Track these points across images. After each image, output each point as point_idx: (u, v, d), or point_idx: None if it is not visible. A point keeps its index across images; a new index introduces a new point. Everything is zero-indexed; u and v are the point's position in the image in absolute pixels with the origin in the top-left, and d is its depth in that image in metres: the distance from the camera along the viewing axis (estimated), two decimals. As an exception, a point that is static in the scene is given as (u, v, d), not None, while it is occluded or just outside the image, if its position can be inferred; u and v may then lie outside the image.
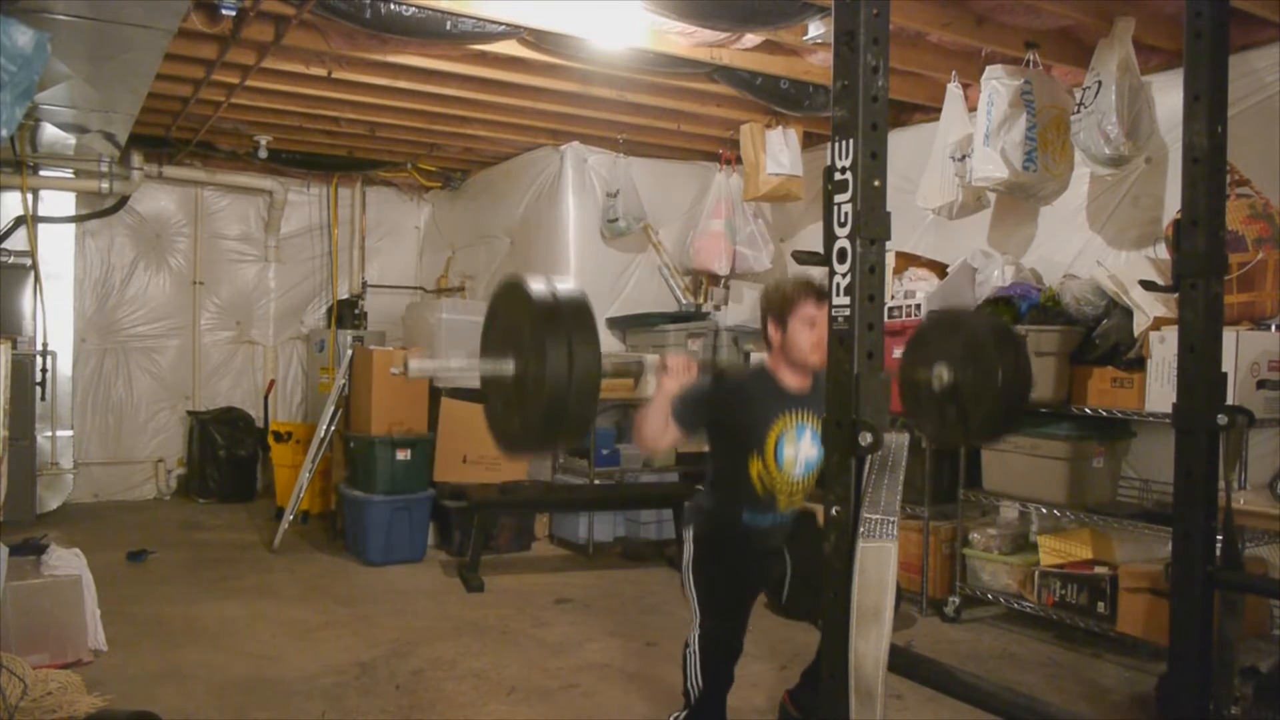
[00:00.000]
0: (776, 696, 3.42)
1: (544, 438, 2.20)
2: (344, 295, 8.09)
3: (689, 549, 3.00)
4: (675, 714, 3.00)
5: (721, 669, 2.90)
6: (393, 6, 4.12)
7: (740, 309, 6.21)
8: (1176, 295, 2.63)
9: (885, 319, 2.25)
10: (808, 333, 2.89)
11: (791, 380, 2.96)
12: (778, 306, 2.95)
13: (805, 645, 3.25)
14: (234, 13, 4.16)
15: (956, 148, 4.72)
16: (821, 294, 2.88)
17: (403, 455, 5.71)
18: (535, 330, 2.12)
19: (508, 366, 2.23)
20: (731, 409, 2.95)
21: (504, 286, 2.35)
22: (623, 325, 6.52)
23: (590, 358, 2.11)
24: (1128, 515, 4.18)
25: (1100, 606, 4.14)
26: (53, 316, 6.61)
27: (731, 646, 2.92)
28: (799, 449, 2.93)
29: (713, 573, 2.93)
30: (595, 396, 2.16)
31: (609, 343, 6.56)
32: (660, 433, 2.85)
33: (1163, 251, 4.30)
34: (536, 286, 2.17)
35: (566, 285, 2.20)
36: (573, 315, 2.14)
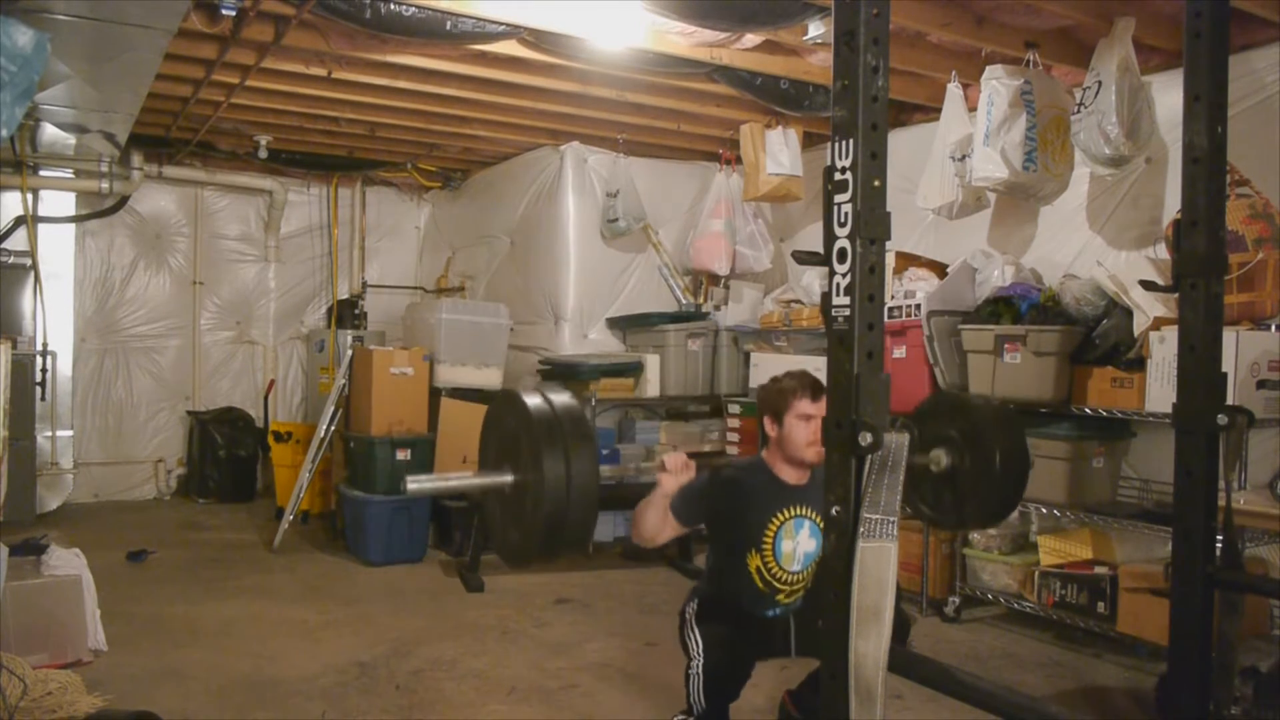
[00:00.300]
0: (776, 696, 3.41)
1: (545, 549, 2.20)
2: (344, 295, 8.08)
3: (692, 606, 3.00)
4: (678, 715, 3.01)
5: (724, 698, 2.90)
6: (393, 6, 4.12)
7: (740, 309, 6.21)
8: (1176, 295, 2.63)
9: (885, 319, 2.25)
10: (804, 429, 2.91)
11: (789, 474, 2.98)
12: (773, 403, 2.97)
13: (805, 645, 3.25)
14: (234, 13, 4.15)
15: (956, 148, 4.72)
16: (817, 389, 2.91)
17: (403, 455, 5.71)
18: (533, 443, 2.12)
19: (506, 479, 2.22)
20: (730, 505, 2.96)
21: (501, 399, 2.36)
22: (623, 325, 6.52)
23: (588, 469, 2.11)
24: (1128, 515, 4.18)
25: (1100, 606, 4.14)
26: (53, 316, 6.61)
27: (730, 688, 2.91)
28: (797, 543, 2.95)
29: (716, 627, 2.92)
30: (595, 507, 2.17)
31: (609, 342, 6.57)
32: (659, 528, 2.88)
33: (1163, 251, 4.30)
34: (533, 400, 2.18)
35: (562, 397, 2.21)
36: (570, 426, 2.14)
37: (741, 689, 2.94)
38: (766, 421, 3.01)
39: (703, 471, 2.91)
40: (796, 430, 2.92)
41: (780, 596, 2.99)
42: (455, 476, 2.72)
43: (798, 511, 2.97)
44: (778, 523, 2.94)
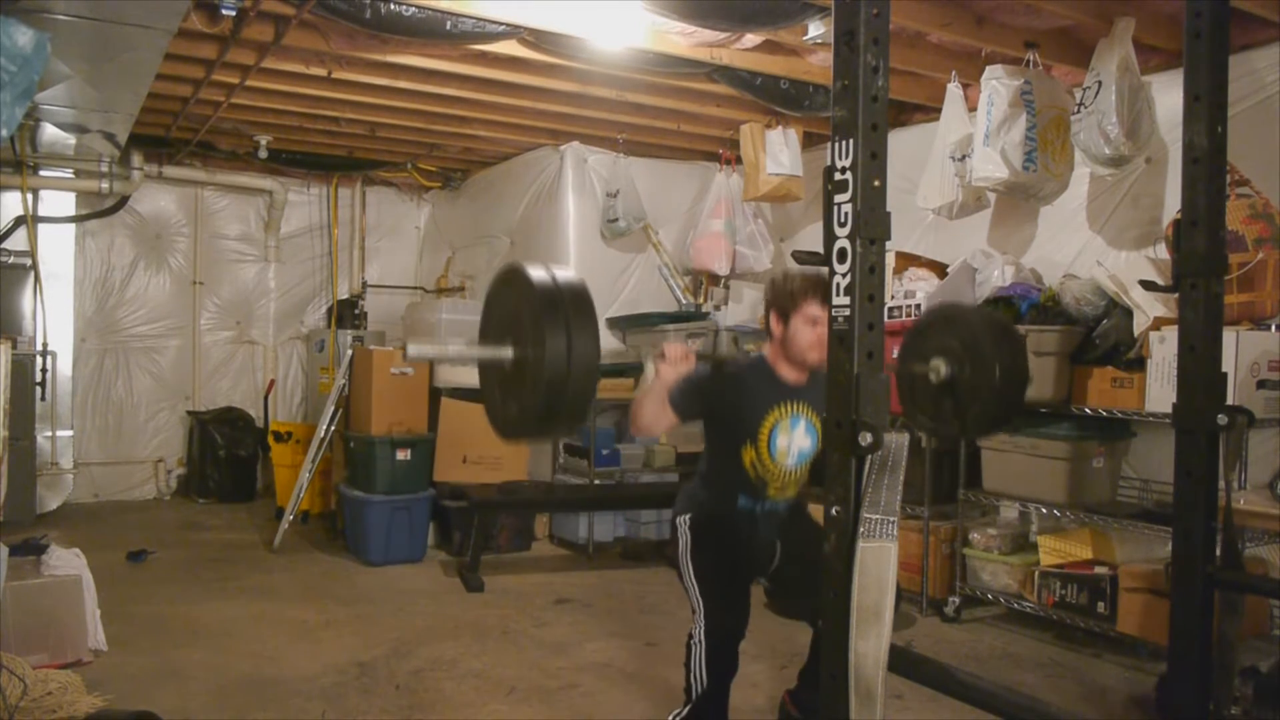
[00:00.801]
0: (777, 696, 3.42)
1: (542, 424, 2.21)
2: (344, 295, 8.08)
3: (684, 538, 3.03)
4: (677, 711, 3.00)
5: (727, 656, 2.92)
6: (393, 6, 4.12)
7: (740, 309, 6.22)
8: (1176, 295, 2.63)
9: (885, 319, 2.25)
10: (809, 331, 2.90)
11: (789, 373, 2.98)
12: (782, 302, 2.96)
13: (805, 645, 3.25)
14: (234, 13, 4.15)
15: (956, 148, 4.72)
16: (824, 293, 2.89)
17: (403, 455, 5.71)
18: (534, 316, 2.13)
19: (506, 352, 2.23)
20: (728, 398, 2.97)
21: (503, 273, 2.35)
22: (623, 325, 6.52)
23: (589, 344, 2.12)
24: (1128, 515, 4.18)
25: (1100, 606, 4.14)
26: (53, 316, 6.61)
27: (736, 630, 2.94)
28: (792, 439, 2.96)
29: (709, 559, 2.96)
30: (594, 383, 2.17)
31: (609, 343, 6.57)
32: (656, 418, 2.87)
33: (1163, 251, 4.30)
34: (536, 272, 2.18)
35: (566, 272, 2.22)
36: (572, 301, 2.15)
37: (742, 638, 2.96)
38: (772, 318, 3.00)
39: (703, 366, 2.94)
40: (802, 333, 2.91)
41: (771, 490, 2.99)
42: (454, 346, 2.72)
43: (795, 409, 2.97)
44: (774, 418, 2.95)
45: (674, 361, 2.76)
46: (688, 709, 2.95)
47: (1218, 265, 2.58)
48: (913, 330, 3.02)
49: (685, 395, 2.89)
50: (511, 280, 2.32)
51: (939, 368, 2.73)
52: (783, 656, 3.98)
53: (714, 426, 3.06)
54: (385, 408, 5.77)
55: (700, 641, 2.89)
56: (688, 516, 3.05)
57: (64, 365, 6.70)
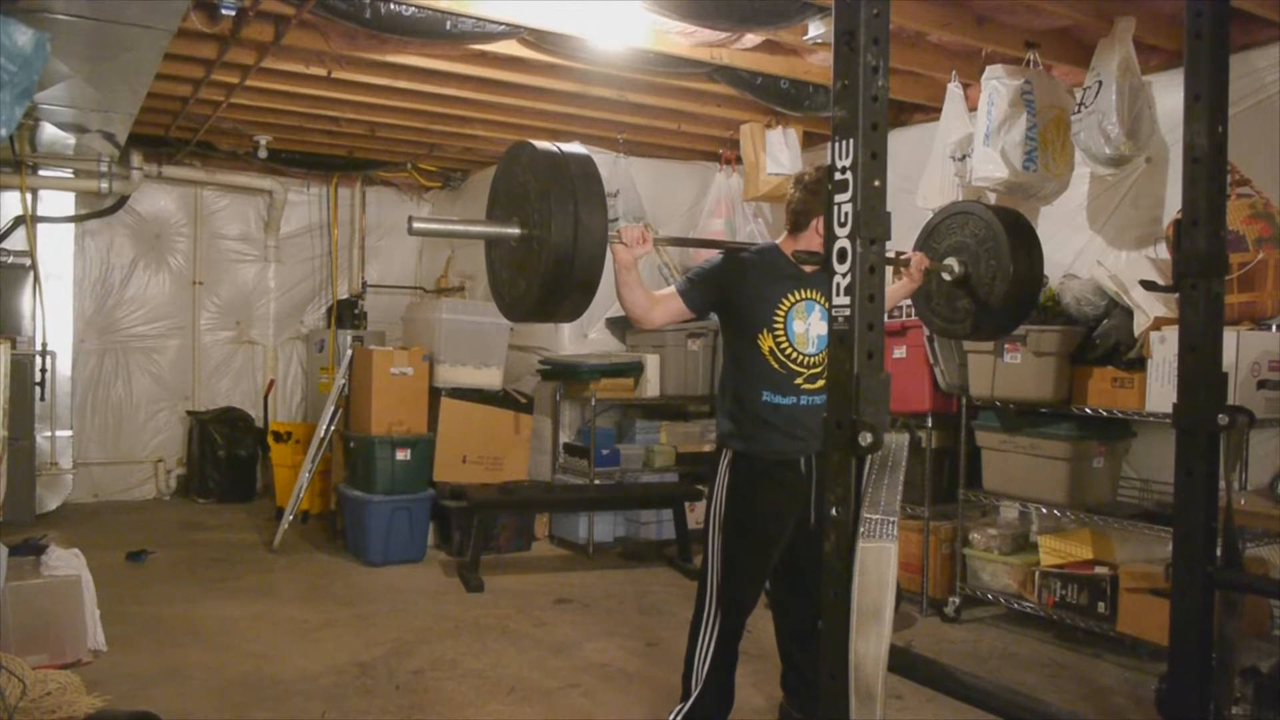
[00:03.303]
0: (777, 697, 3.41)
1: (549, 299, 2.21)
2: (344, 295, 8.08)
3: (721, 481, 2.99)
4: (678, 708, 3.00)
5: (732, 639, 2.95)
6: (393, 6, 4.12)
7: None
8: (1177, 295, 2.63)
9: (885, 319, 2.25)
10: (819, 242, 2.88)
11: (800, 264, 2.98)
12: (808, 203, 2.95)
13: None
14: (234, 12, 4.15)
15: (956, 148, 4.72)
16: None
17: (403, 455, 5.70)
18: (541, 189, 2.12)
19: (513, 229, 2.23)
20: (741, 285, 2.97)
21: (511, 151, 2.35)
22: (622, 325, 6.52)
23: (597, 216, 2.11)
24: (1128, 515, 4.18)
25: (1100, 606, 4.14)
26: (52, 316, 6.60)
27: (746, 605, 2.97)
28: (809, 324, 2.96)
29: (741, 510, 2.94)
30: (601, 259, 2.17)
31: (609, 342, 6.57)
32: (645, 306, 2.90)
33: (1163, 251, 4.30)
34: (544, 147, 2.18)
35: (574, 146, 2.21)
36: (580, 176, 2.14)
37: (750, 611, 2.99)
38: (792, 212, 3.01)
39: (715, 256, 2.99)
40: (813, 242, 2.91)
41: (799, 381, 2.96)
42: (461, 223, 2.77)
43: (808, 295, 2.97)
44: (788, 303, 2.95)
45: (632, 243, 2.77)
46: (689, 704, 2.95)
47: (1218, 265, 2.57)
48: (926, 230, 3.01)
49: (696, 285, 2.93)
50: (518, 155, 2.31)
51: (951, 266, 2.74)
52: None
53: (729, 317, 3.04)
54: (385, 408, 5.77)
55: (711, 625, 2.90)
56: (729, 455, 3.01)
57: (63, 365, 6.70)
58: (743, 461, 2.98)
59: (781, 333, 2.94)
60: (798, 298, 2.96)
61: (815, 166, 3.02)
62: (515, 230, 2.26)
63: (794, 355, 2.95)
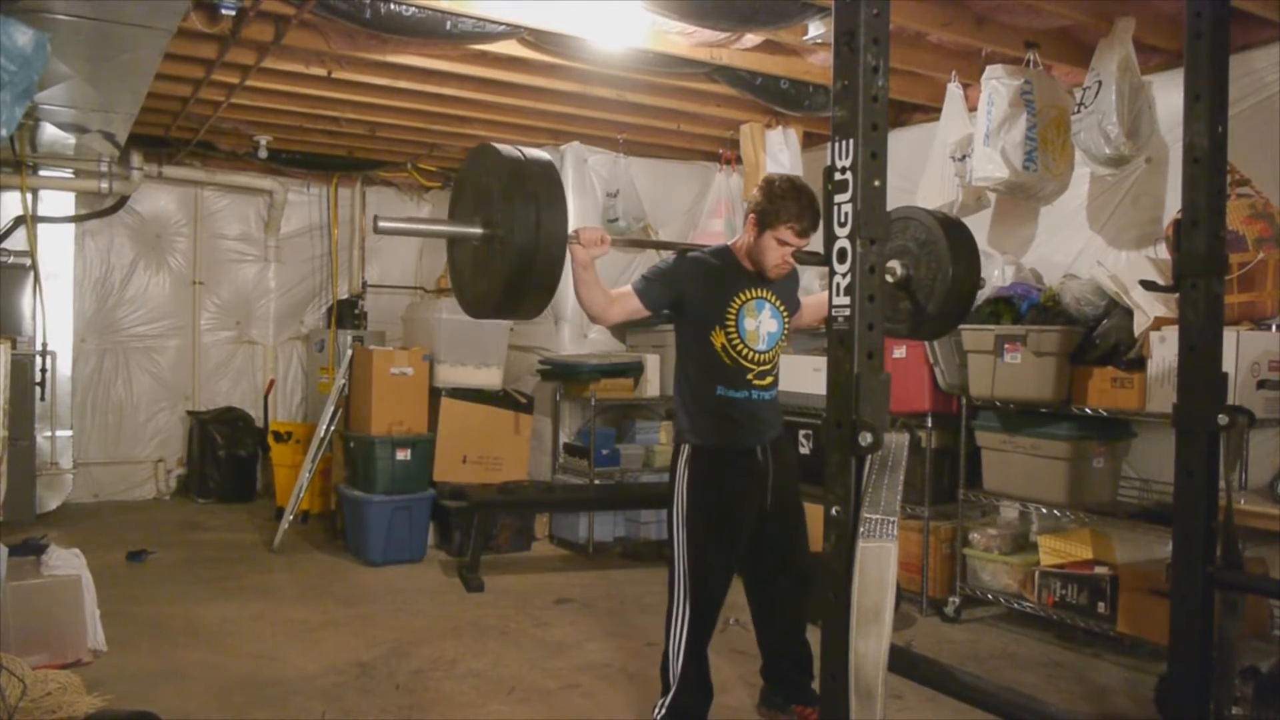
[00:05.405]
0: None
1: (511, 296, 2.27)
2: (344, 295, 8.07)
3: (682, 475, 3.08)
4: (660, 701, 3.02)
5: (705, 629, 3.00)
6: (393, 6, 4.12)
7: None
8: (1177, 295, 2.63)
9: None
10: (776, 252, 3.00)
11: (751, 268, 3.09)
12: (765, 211, 3.01)
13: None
14: (234, 12, 4.15)
15: (956, 148, 4.72)
16: (809, 226, 2.97)
17: (403, 455, 5.70)
18: (504, 189, 2.18)
19: (475, 229, 2.29)
20: (695, 284, 3.06)
21: (474, 153, 2.43)
22: (621, 325, 6.51)
23: (557, 216, 2.17)
24: (1128, 515, 4.18)
25: (1100, 606, 4.14)
26: (52, 316, 6.60)
27: (715, 596, 3.03)
28: (759, 322, 3.06)
29: (704, 500, 3.02)
30: (561, 260, 2.24)
31: (609, 342, 6.56)
32: (602, 303, 2.97)
33: (1163, 251, 4.30)
34: (507, 150, 2.25)
35: (535, 151, 2.29)
36: (542, 179, 2.21)
37: (724, 596, 3.03)
38: (750, 218, 3.07)
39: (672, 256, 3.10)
40: (769, 250, 3.01)
41: (750, 377, 3.06)
42: (425, 223, 2.88)
43: (758, 294, 3.08)
44: (739, 302, 3.05)
45: (589, 244, 2.83)
46: (670, 698, 2.97)
47: (1218, 265, 2.58)
48: None
49: (652, 283, 3.03)
50: (482, 156, 2.38)
51: (894, 269, 2.80)
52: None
53: (684, 315, 3.13)
54: (385, 408, 5.76)
55: (682, 617, 2.94)
56: (687, 449, 3.10)
57: (64, 365, 6.70)
58: (702, 455, 3.07)
59: (734, 329, 3.02)
60: (749, 296, 3.06)
61: (784, 175, 3.10)
62: (478, 230, 2.31)
63: (745, 352, 3.04)
